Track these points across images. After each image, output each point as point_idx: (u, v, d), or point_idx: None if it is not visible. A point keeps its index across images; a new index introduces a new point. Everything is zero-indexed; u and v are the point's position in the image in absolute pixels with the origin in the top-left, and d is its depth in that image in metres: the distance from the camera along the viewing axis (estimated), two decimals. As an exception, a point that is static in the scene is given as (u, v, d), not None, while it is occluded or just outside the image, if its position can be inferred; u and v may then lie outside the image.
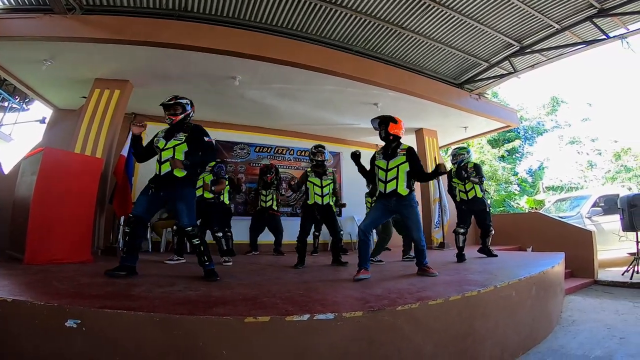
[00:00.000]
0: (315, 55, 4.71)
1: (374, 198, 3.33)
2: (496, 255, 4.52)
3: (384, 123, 3.13)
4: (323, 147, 4.21)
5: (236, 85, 5.03)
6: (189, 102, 2.92)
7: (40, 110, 8.39)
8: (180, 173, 2.68)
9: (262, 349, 1.53)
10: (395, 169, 3.00)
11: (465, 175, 4.32)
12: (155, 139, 2.85)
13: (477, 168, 4.43)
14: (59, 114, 6.24)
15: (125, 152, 4.82)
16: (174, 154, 2.72)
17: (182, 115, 2.85)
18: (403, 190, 2.97)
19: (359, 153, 3.30)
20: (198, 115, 6.27)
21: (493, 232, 4.54)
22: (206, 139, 2.78)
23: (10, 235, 3.55)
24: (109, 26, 4.21)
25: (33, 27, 4.16)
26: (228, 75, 4.85)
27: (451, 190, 4.60)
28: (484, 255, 4.55)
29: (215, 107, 6.06)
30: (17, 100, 8.49)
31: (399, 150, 3.06)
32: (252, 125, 7.01)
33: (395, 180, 2.98)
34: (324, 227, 4.56)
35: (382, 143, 3.24)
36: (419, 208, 6.40)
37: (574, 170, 16.62)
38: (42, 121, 7.66)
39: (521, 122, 16.72)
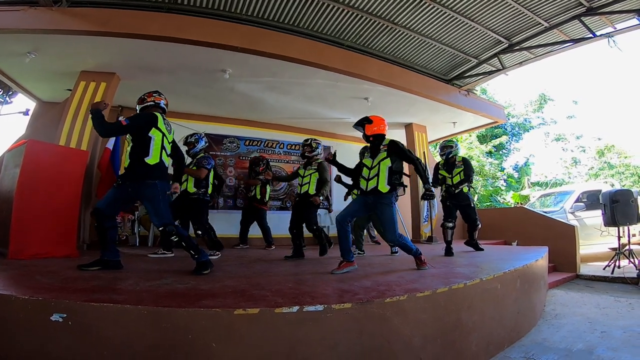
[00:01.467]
0: (306, 49, 4.68)
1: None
2: (482, 249, 4.59)
3: (360, 126, 3.13)
4: (309, 140, 4.25)
5: (226, 79, 4.97)
6: (143, 97, 2.91)
7: (23, 102, 8.16)
8: (126, 163, 2.65)
9: (252, 341, 1.53)
10: (377, 166, 2.99)
11: (460, 180, 4.33)
12: None
13: (465, 162, 4.44)
14: (42, 106, 6.08)
15: (110, 145, 4.75)
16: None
17: (139, 107, 2.87)
18: (384, 187, 2.92)
19: (334, 153, 3.32)
20: (187, 109, 6.38)
21: (480, 225, 4.62)
22: (120, 118, 2.66)
23: (-7, 229, 3.45)
24: (95, 18, 4.10)
25: (17, 19, 4.02)
26: (218, 68, 4.79)
27: (436, 182, 4.56)
28: (471, 249, 4.62)
29: (205, 100, 5.99)
30: (0, 93, 8.24)
31: (381, 146, 3.04)
32: (242, 118, 6.96)
33: (376, 178, 2.96)
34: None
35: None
36: (408, 204, 6.46)
37: (559, 167, 17.07)
38: (26, 113, 7.45)
39: (508, 119, 16.97)
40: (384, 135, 3.12)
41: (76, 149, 4.24)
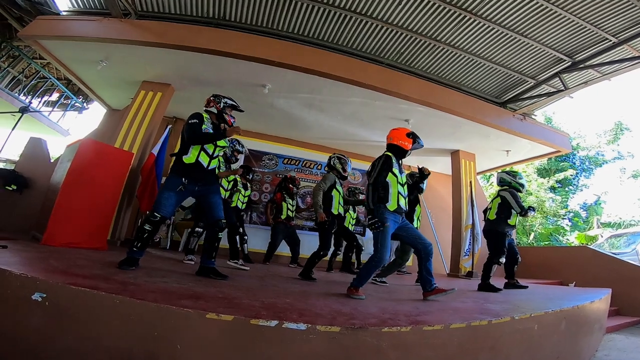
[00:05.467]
0: (342, 65, 4.67)
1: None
2: (526, 287, 4.12)
3: (413, 139, 2.92)
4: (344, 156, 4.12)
5: (265, 94, 5.12)
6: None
7: (98, 110, 9.26)
8: (217, 173, 2.85)
9: (220, 351, 1.41)
10: (406, 185, 2.86)
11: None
12: (204, 127, 2.72)
13: None
14: (111, 113, 6.79)
15: (155, 150, 5.04)
16: (220, 152, 2.84)
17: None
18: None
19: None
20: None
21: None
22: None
23: (38, 216, 3.80)
24: (154, 30, 4.54)
25: (93, 28, 4.60)
26: (257, 82, 4.96)
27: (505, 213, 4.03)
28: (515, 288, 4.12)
29: (247, 115, 6.04)
30: (80, 99, 9.42)
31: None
32: (281, 136, 7.10)
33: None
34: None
35: (407, 163, 3.07)
36: (448, 236, 6.04)
37: (637, 208, 14.75)
38: (80, 111, 8.52)
39: (577, 151, 15.32)
40: None
41: (122, 149, 4.58)
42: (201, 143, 2.68)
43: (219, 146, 2.78)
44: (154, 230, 2.59)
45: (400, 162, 2.88)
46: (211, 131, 2.72)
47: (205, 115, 2.80)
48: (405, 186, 2.84)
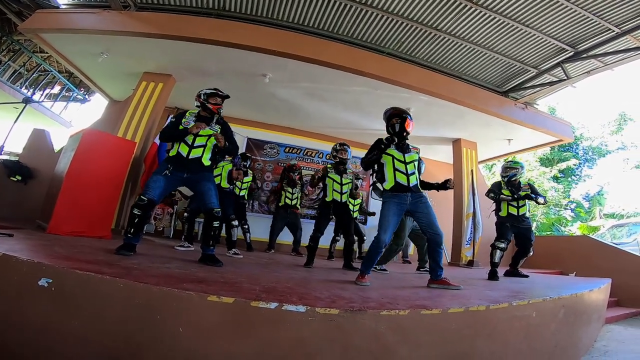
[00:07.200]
0: (342, 54, 4.65)
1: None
2: (527, 276, 4.13)
3: (401, 117, 2.83)
4: (347, 146, 4.11)
5: (266, 83, 5.12)
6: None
7: (99, 101, 9.30)
8: (206, 162, 2.83)
9: (221, 334, 1.44)
10: (412, 163, 2.79)
11: (534, 197, 4.02)
12: (185, 120, 2.85)
13: (532, 186, 4.18)
14: (113, 104, 6.81)
15: (158, 140, 5.06)
16: (207, 142, 2.83)
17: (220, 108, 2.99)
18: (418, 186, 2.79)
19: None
20: (233, 113, 6.64)
21: (532, 253, 4.15)
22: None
23: (43, 206, 3.84)
24: (155, 22, 4.52)
25: (93, 21, 4.60)
26: (258, 72, 4.95)
27: (497, 204, 4.21)
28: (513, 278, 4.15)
29: (248, 105, 6.20)
30: (82, 91, 9.43)
31: (411, 147, 2.85)
32: (282, 125, 7.10)
33: (414, 175, 2.76)
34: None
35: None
36: (450, 224, 6.03)
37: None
38: (82, 102, 8.65)
39: (581, 142, 15.20)
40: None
41: (124, 138, 4.60)
42: (167, 141, 2.91)
43: (200, 135, 2.81)
44: (144, 214, 2.63)
45: (402, 143, 2.82)
46: (192, 123, 2.82)
47: (191, 111, 2.95)
48: (412, 165, 2.78)
